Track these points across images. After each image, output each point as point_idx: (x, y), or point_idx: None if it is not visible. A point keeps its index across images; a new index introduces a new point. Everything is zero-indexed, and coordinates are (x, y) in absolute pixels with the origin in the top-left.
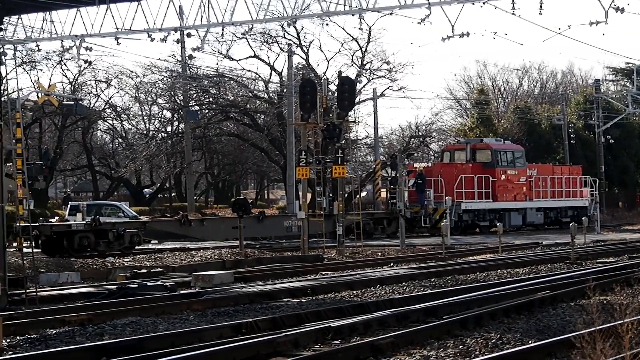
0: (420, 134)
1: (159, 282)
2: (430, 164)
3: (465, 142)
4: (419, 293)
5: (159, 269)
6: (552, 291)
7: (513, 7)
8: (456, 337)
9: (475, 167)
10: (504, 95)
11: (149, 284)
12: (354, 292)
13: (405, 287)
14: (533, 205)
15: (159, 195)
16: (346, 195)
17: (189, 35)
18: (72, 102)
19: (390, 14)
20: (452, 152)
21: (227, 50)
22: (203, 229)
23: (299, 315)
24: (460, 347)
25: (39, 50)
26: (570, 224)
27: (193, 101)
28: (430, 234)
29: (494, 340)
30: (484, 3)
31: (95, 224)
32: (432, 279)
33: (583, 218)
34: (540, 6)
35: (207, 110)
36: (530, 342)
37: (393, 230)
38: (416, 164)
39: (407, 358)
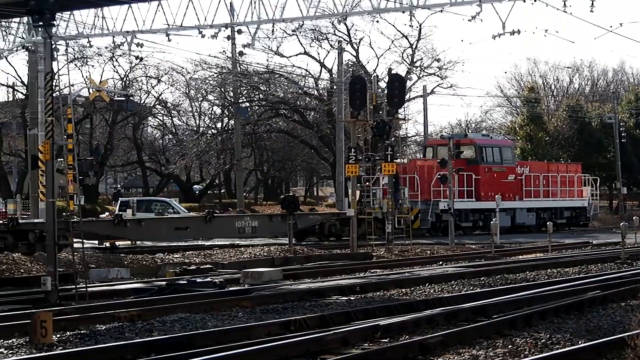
0: (470, 131)
1: (208, 279)
2: (406, 161)
3: (449, 137)
4: (468, 292)
5: (208, 266)
6: (602, 291)
7: (564, 4)
8: (505, 337)
9: (458, 164)
10: (554, 93)
11: (198, 280)
12: (403, 290)
13: (454, 286)
14: (523, 205)
15: (209, 192)
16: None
17: (239, 31)
18: (123, 98)
19: (441, 11)
20: (434, 148)
21: (278, 47)
22: (141, 229)
23: (347, 314)
24: (510, 346)
25: (90, 46)
26: (621, 224)
27: (243, 98)
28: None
29: (543, 340)
30: (535, 0)
31: (13, 224)
32: (482, 278)
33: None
34: (592, 4)
35: (257, 107)
36: (580, 342)
37: (363, 232)
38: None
39: (456, 357)
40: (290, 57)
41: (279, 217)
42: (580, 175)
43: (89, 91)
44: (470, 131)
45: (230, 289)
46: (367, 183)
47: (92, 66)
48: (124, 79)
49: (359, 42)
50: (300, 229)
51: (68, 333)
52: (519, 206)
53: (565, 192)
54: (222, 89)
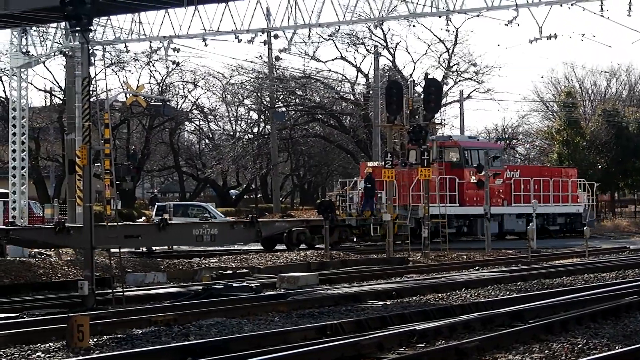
0: (506, 136)
1: (245, 283)
2: (380, 164)
3: (432, 139)
4: (505, 297)
5: (244, 270)
6: (639, 296)
7: (601, 8)
8: (542, 342)
9: (441, 167)
10: (591, 98)
11: (234, 285)
12: (439, 295)
13: (490, 291)
14: (512, 211)
15: (245, 197)
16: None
17: (276, 36)
18: (160, 103)
19: (478, 15)
20: (417, 151)
21: (314, 52)
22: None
23: (383, 318)
24: (546, 351)
25: (127, 51)
26: None
27: (279, 102)
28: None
29: (580, 346)
30: (572, 4)
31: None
32: (518, 283)
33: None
34: (629, 8)
35: (293, 112)
36: (617, 347)
37: (335, 240)
38: (370, 163)
39: None
40: (326, 61)
41: (241, 225)
42: (576, 180)
43: (126, 96)
44: (506, 135)
45: (267, 293)
46: (345, 187)
47: (129, 71)
48: (161, 84)
49: (396, 47)
50: (265, 236)
51: (105, 337)
52: (507, 212)
53: (558, 198)
54: (259, 94)
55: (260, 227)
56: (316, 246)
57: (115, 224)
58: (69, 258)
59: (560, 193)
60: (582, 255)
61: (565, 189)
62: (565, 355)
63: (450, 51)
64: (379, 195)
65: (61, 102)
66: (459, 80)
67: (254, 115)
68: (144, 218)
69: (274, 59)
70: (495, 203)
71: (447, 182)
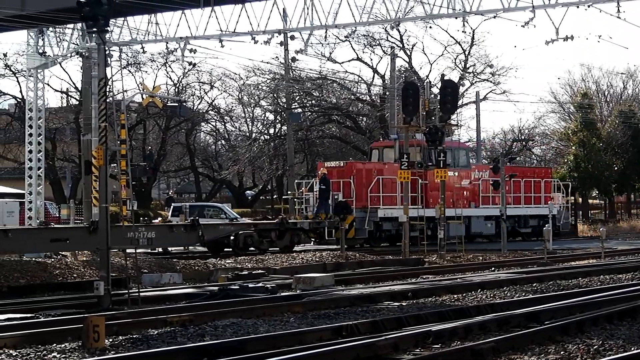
0: (523, 137)
1: (260, 284)
2: (342, 164)
3: (395, 138)
4: (521, 298)
5: (260, 271)
6: None
7: (618, 10)
8: (557, 343)
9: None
10: (607, 99)
11: (250, 285)
12: (455, 296)
13: (506, 292)
14: (479, 213)
15: (261, 197)
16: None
17: (292, 37)
18: (176, 104)
19: (495, 17)
20: (380, 150)
21: (330, 53)
22: (7, 241)
23: (399, 319)
24: (562, 352)
25: (144, 52)
26: None
27: (296, 103)
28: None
29: (595, 347)
30: (588, 6)
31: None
32: (534, 284)
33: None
34: None
35: (309, 113)
36: (633, 348)
37: (286, 244)
38: (327, 163)
39: None
40: (342, 63)
41: (181, 228)
42: (550, 181)
43: (142, 97)
44: (523, 137)
45: (282, 294)
46: (302, 189)
47: (146, 72)
48: (177, 85)
49: (412, 48)
50: (208, 240)
51: (120, 337)
52: (475, 214)
53: (530, 199)
54: (275, 95)
55: (202, 230)
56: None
57: (131, 224)
58: (84, 258)
59: (533, 194)
60: (598, 257)
61: (538, 190)
62: (581, 357)
63: (466, 52)
64: (336, 197)
65: (77, 102)
66: (475, 82)
67: (270, 116)
68: (159, 219)
69: (290, 60)
70: (462, 205)
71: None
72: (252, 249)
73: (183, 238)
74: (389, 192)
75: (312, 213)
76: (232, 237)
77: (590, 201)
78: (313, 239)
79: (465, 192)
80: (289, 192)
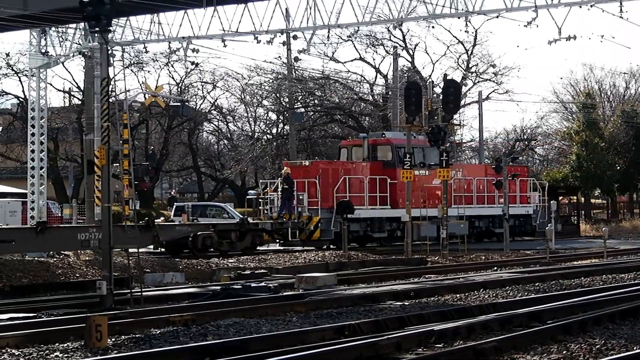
0: (525, 137)
1: (263, 284)
2: (308, 163)
3: (364, 136)
4: (523, 297)
5: (262, 271)
6: None
7: (621, 10)
8: (560, 343)
9: (373, 167)
10: (610, 99)
11: (252, 285)
12: (457, 295)
13: (508, 292)
14: (452, 213)
15: None
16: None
17: (295, 37)
18: (179, 104)
19: (497, 16)
20: (349, 149)
21: (333, 53)
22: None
23: (401, 319)
24: (564, 352)
25: (146, 51)
26: None
27: (298, 103)
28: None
29: (598, 346)
30: (591, 6)
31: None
32: (536, 284)
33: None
34: None
35: (312, 113)
36: (635, 348)
37: (247, 245)
38: (292, 162)
39: None
40: (345, 62)
41: (134, 228)
42: (526, 180)
43: (144, 96)
44: (525, 137)
45: (285, 293)
46: (266, 189)
47: (148, 72)
48: (180, 85)
49: (415, 48)
50: (164, 241)
51: (123, 337)
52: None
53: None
54: (278, 95)
55: (157, 231)
56: (228, 252)
57: (133, 223)
58: (87, 258)
59: (509, 193)
60: (601, 256)
61: (513, 189)
62: (583, 356)
63: (469, 52)
64: (301, 197)
65: (80, 102)
66: (478, 81)
67: (273, 116)
68: (162, 218)
69: (292, 60)
70: (433, 204)
71: (378, 183)
72: (211, 250)
73: (137, 239)
74: (357, 192)
75: (277, 214)
76: (190, 238)
77: (592, 201)
78: (278, 241)
79: (437, 192)
80: (252, 192)
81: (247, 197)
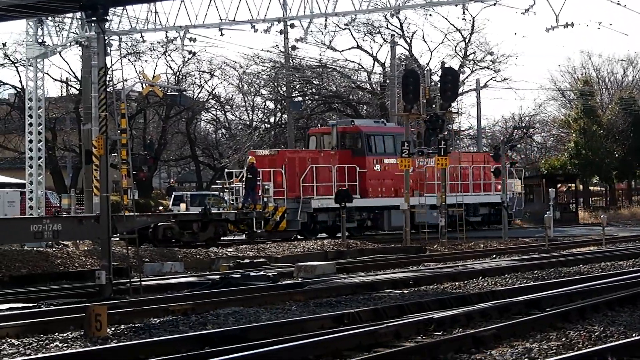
0: (523, 125)
1: (262, 273)
2: (274, 152)
3: (333, 124)
4: (522, 285)
5: (261, 259)
6: None
7: None
8: (559, 330)
9: (342, 155)
10: (608, 86)
11: (251, 274)
12: (456, 283)
13: (507, 279)
14: (424, 202)
15: None
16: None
17: (292, 26)
18: (176, 93)
19: (495, 4)
20: (318, 137)
21: (330, 41)
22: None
23: (400, 307)
24: (563, 339)
25: (143, 41)
26: None
27: (296, 92)
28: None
29: (597, 333)
30: None
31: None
32: (535, 271)
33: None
34: None
35: (310, 101)
36: (634, 335)
37: (210, 236)
38: (259, 151)
39: (509, 350)
40: (343, 51)
41: (91, 220)
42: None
43: (142, 86)
44: (523, 124)
45: (284, 282)
46: (232, 179)
47: (145, 61)
48: (177, 74)
49: (412, 36)
50: (123, 232)
51: (122, 326)
52: (419, 203)
53: (480, 186)
54: (275, 83)
55: (114, 222)
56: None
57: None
58: (86, 248)
59: (482, 181)
60: (599, 244)
61: (488, 177)
62: (582, 343)
63: (466, 40)
64: (267, 187)
65: (77, 92)
66: (476, 69)
67: (271, 105)
68: (161, 208)
69: (290, 49)
70: (403, 194)
71: (347, 172)
72: (173, 241)
73: (94, 230)
74: (325, 182)
75: (241, 204)
76: (150, 229)
77: (591, 188)
78: (244, 232)
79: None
80: (218, 182)
81: (213, 186)
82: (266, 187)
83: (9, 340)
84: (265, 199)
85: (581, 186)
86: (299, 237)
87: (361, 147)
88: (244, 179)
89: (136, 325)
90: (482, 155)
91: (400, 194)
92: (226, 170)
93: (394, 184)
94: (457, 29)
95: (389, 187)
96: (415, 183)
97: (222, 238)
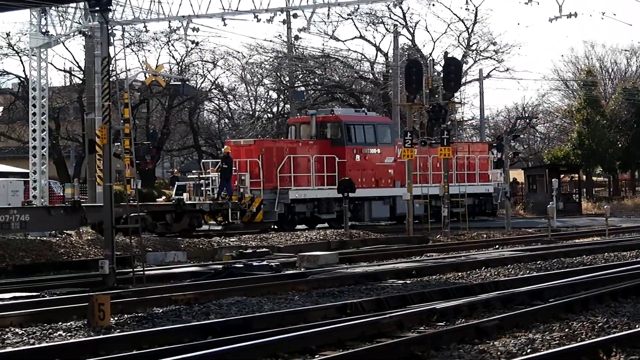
0: (526, 115)
1: (265, 262)
2: (251, 142)
3: (312, 113)
4: (525, 275)
5: (264, 249)
6: None
7: None
8: (562, 321)
9: (321, 145)
10: (611, 77)
11: (254, 264)
12: (459, 274)
13: (510, 270)
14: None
15: None
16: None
17: (295, 16)
18: (179, 83)
19: None
20: (297, 127)
21: (333, 31)
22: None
23: (403, 297)
24: (566, 330)
25: (146, 31)
26: None
27: (299, 82)
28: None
29: (600, 324)
30: None
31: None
32: (538, 262)
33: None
34: None
35: (312, 91)
36: (637, 326)
37: (184, 227)
38: (235, 140)
39: (512, 341)
40: (345, 41)
41: (61, 211)
42: (486, 157)
43: (145, 76)
44: (526, 114)
45: (287, 272)
46: (209, 170)
47: (149, 51)
48: (180, 64)
49: (415, 26)
50: (92, 223)
51: (125, 316)
52: (401, 193)
53: (464, 177)
54: (278, 73)
55: (84, 213)
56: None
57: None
58: (89, 237)
59: (466, 171)
60: (602, 234)
61: (472, 167)
62: (585, 334)
63: (469, 30)
64: (242, 177)
65: (81, 82)
66: (479, 59)
67: (274, 95)
68: (163, 197)
69: (293, 39)
70: (385, 184)
71: (326, 162)
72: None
73: (63, 221)
74: (303, 172)
75: (218, 195)
76: (122, 220)
77: (594, 178)
78: (220, 223)
79: (389, 171)
80: (193, 172)
81: (188, 176)
82: (242, 177)
83: (12, 330)
84: (241, 190)
85: (584, 176)
86: (275, 228)
87: (341, 137)
88: (220, 169)
89: (139, 314)
90: (466, 145)
91: (380, 184)
92: (202, 161)
93: (375, 175)
94: (460, 19)
95: (370, 177)
96: (396, 174)
97: (197, 229)
